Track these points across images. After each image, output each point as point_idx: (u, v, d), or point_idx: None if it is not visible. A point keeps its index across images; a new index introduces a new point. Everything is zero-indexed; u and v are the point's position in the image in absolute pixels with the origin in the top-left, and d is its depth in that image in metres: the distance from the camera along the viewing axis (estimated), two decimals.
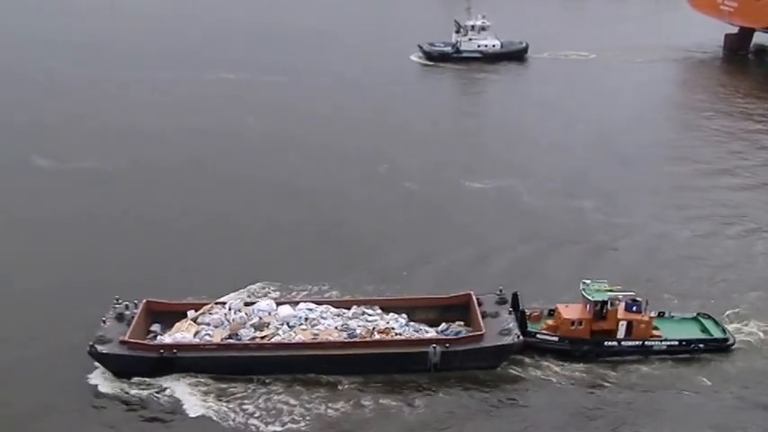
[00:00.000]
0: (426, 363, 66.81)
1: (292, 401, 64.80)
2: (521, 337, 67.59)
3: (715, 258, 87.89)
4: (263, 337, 69.16)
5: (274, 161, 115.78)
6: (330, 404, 64.29)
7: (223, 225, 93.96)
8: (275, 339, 68.68)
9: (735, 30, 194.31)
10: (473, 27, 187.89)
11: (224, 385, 66.24)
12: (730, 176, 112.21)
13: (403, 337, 68.10)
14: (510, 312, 70.19)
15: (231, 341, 68.47)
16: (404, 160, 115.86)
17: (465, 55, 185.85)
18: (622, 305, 70.51)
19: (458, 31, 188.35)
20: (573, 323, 69.41)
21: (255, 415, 63.18)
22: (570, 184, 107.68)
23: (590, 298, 69.14)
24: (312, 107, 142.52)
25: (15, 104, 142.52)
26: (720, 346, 70.70)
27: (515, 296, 71.30)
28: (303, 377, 66.91)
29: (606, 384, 67.04)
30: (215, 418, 63.18)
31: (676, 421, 63.34)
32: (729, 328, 73.47)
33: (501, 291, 72.38)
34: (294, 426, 62.00)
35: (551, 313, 71.92)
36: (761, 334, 73.46)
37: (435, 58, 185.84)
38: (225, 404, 64.42)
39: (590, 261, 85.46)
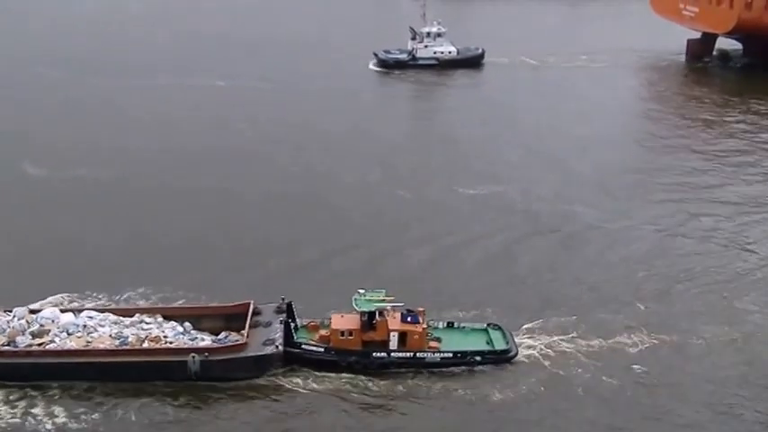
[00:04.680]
0: (187, 372, 66.72)
1: (55, 409, 65.09)
2: (280, 348, 67.08)
3: (552, 271, 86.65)
4: (39, 345, 69.70)
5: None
6: (85, 412, 64.42)
7: (48, 234, 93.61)
8: (49, 347, 69.14)
9: (697, 35, 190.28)
10: (428, 34, 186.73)
11: None
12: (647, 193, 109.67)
13: (162, 346, 68.14)
14: (281, 322, 69.76)
15: (3, 348, 69.07)
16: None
17: (421, 62, 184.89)
18: (398, 316, 69.60)
19: (413, 38, 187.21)
20: (342, 333, 68.76)
21: (14, 423, 63.45)
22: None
23: (357, 308, 68.41)
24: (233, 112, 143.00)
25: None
26: (499, 359, 69.48)
27: (289, 305, 70.94)
28: (73, 385, 67.16)
29: (363, 396, 66.33)
30: None
31: None
32: (520, 340, 72.13)
33: (283, 300, 71.99)
34: None
35: None
36: (551, 346, 72.09)
37: (391, 65, 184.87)
38: None
39: (436, 269, 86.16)
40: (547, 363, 70.12)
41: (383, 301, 69.01)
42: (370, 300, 68.73)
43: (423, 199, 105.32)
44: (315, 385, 67.34)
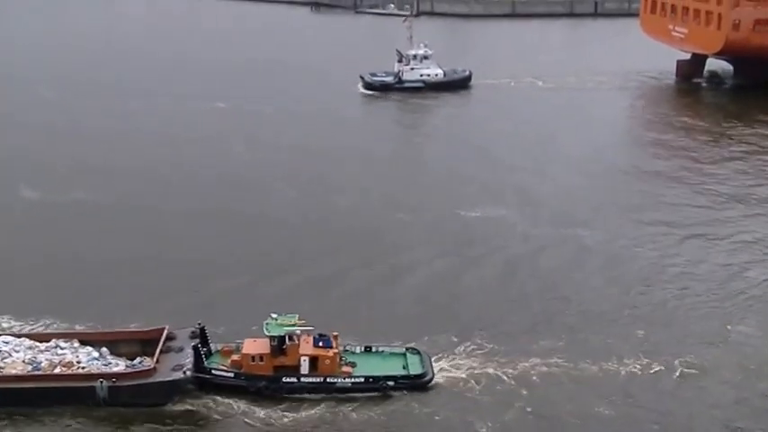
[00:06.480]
0: (95, 397, 66.45)
1: None
2: (187, 373, 66.65)
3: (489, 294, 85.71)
4: None
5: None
6: None
7: None
8: None
9: (687, 56, 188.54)
10: (415, 56, 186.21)
11: None
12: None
13: (70, 372, 67.90)
14: (193, 347, 69.34)
15: None
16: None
17: (407, 85, 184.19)
18: (311, 340, 69.01)
19: (400, 61, 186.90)
20: (253, 358, 68.25)
21: None
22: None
23: (267, 333, 67.92)
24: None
25: None
26: (414, 384, 68.54)
27: (202, 330, 70.52)
28: None
29: (271, 423, 65.56)
30: None
31: None
32: (443, 364, 71.22)
33: (199, 324, 71.52)
34: None
35: None
36: (471, 371, 71.00)
37: (377, 88, 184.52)
38: None
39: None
40: (465, 388, 68.84)
41: (294, 325, 68.29)
42: (280, 324, 68.14)
43: (394, 219, 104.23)
44: (225, 411, 66.73)
